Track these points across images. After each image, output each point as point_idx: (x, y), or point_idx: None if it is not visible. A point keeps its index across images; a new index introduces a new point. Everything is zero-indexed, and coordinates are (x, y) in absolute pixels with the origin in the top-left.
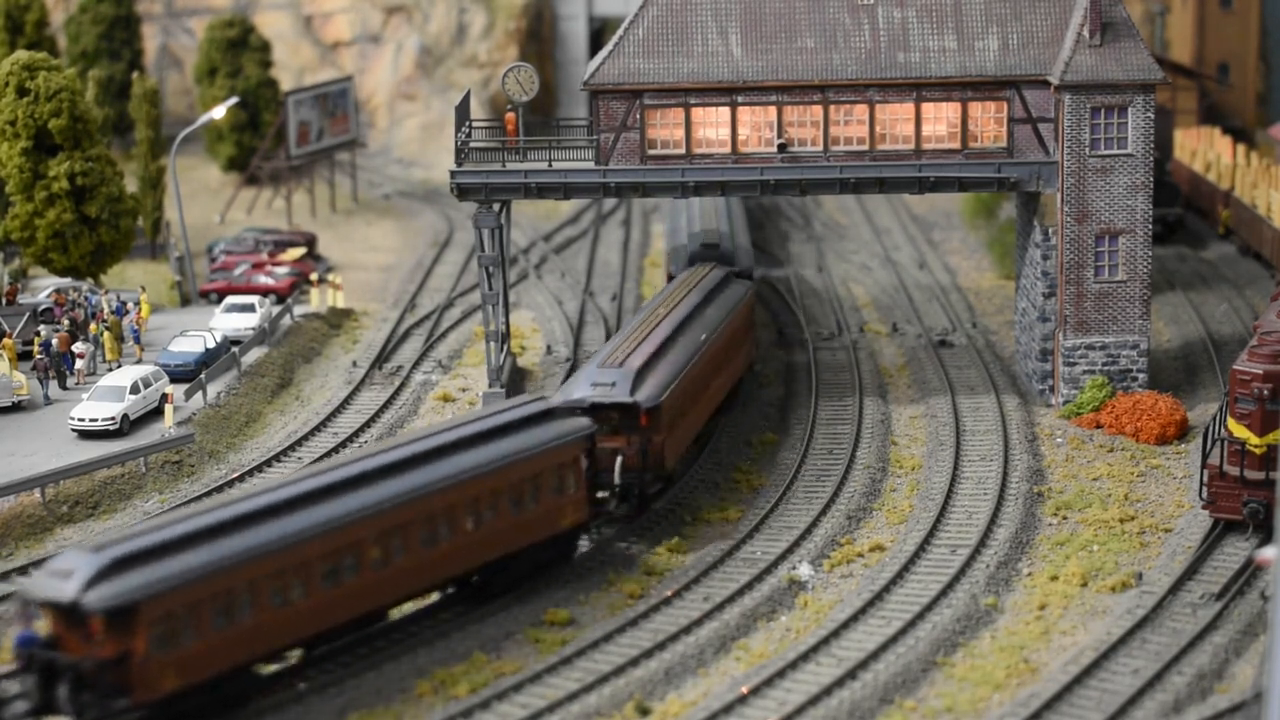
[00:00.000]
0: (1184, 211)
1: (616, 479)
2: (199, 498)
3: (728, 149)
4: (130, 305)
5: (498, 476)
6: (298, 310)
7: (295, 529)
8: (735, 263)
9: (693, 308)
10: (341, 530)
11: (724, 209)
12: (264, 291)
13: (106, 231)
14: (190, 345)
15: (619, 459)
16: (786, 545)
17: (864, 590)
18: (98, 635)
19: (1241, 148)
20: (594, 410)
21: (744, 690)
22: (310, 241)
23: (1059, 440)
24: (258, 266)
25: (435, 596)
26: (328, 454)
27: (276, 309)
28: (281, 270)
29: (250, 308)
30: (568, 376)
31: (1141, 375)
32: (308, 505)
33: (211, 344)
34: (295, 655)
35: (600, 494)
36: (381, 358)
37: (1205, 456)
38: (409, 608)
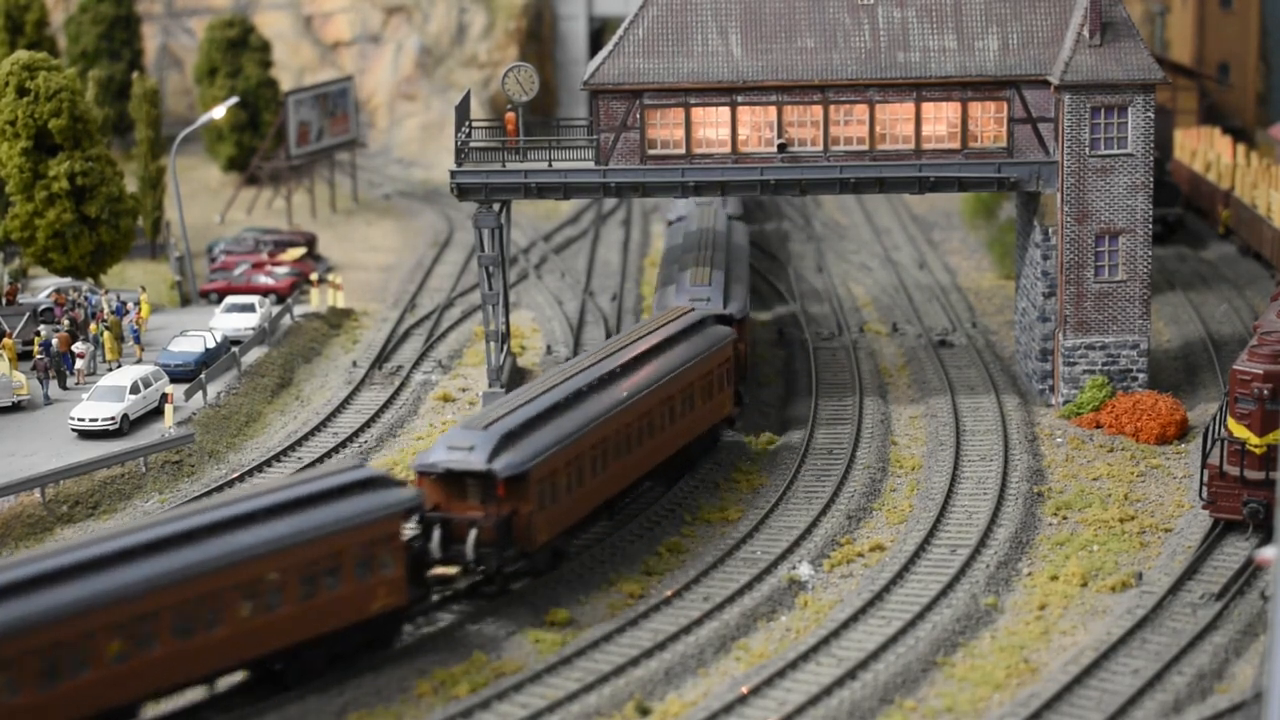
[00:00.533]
0: (1184, 211)
1: (469, 554)
2: (199, 498)
3: (728, 149)
4: (130, 305)
5: (282, 557)
6: (298, 310)
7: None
8: (725, 305)
9: (629, 360)
10: (58, 624)
11: (724, 237)
12: (264, 291)
13: (106, 231)
14: (190, 345)
15: (473, 532)
16: (786, 545)
17: (864, 590)
18: None
19: (1241, 148)
20: (448, 477)
21: (744, 690)
22: (310, 241)
23: (1059, 440)
24: (258, 266)
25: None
26: (327, 454)
27: (276, 309)
28: (281, 270)
29: (250, 308)
30: None
31: (1141, 375)
32: (20, 595)
33: (211, 344)
34: None
35: (448, 569)
36: (381, 358)
37: (1205, 456)
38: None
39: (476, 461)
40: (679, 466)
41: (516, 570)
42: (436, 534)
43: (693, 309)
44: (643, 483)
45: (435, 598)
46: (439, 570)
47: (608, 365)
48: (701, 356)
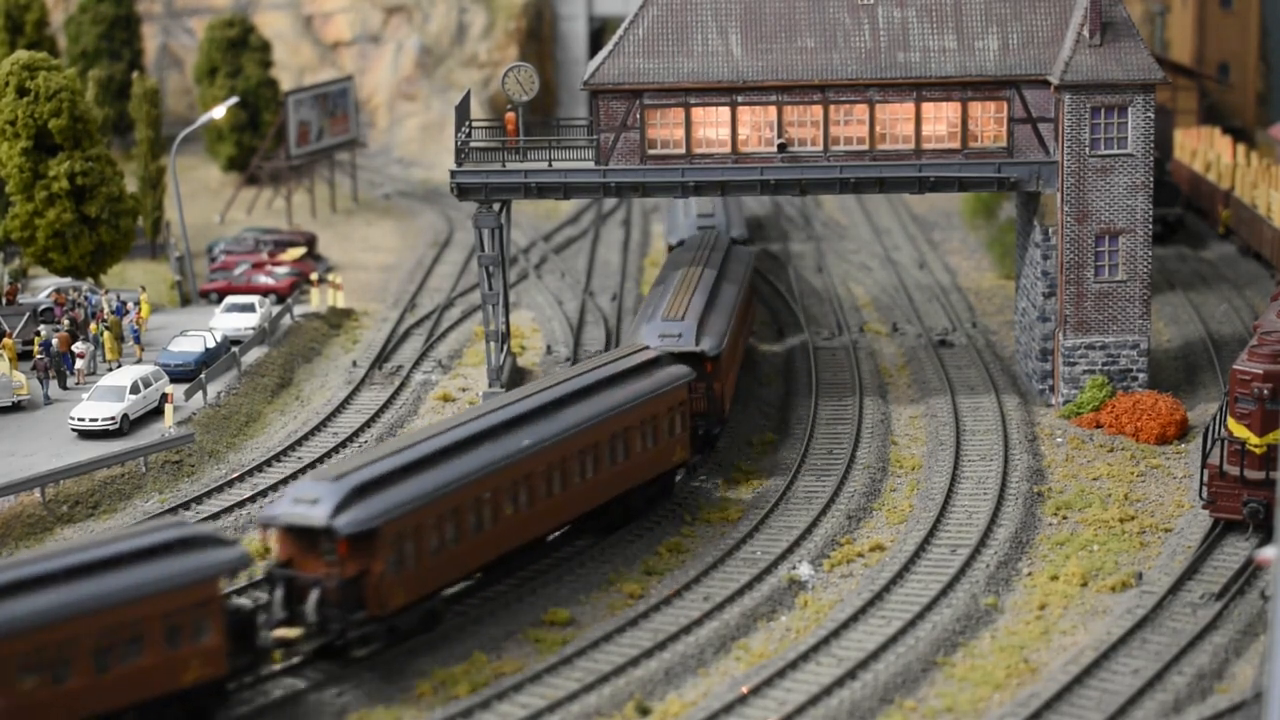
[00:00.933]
0: (1184, 211)
1: (310, 616)
2: (199, 498)
3: (728, 149)
4: (130, 305)
5: (69, 626)
6: (298, 310)
7: None
8: (698, 342)
9: (548, 403)
10: None
11: (718, 265)
12: (264, 291)
13: (106, 231)
14: (190, 345)
15: (315, 593)
16: (786, 545)
17: (864, 590)
18: None
19: (1241, 148)
20: (291, 533)
21: (744, 690)
22: (310, 241)
23: (1059, 440)
24: (258, 266)
25: None
26: (328, 454)
27: (276, 309)
28: (281, 270)
29: (250, 308)
30: None
31: (1141, 375)
32: None
33: (211, 344)
34: None
35: (289, 633)
36: (381, 358)
37: (1205, 456)
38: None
39: (318, 516)
40: (617, 516)
41: (369, 635)
42: (279, 593)
43: (646, 347)
44: (577, 529)
45: (279, 665)
46: (282, 633)
47: (520, 408)
48: (645, 399)
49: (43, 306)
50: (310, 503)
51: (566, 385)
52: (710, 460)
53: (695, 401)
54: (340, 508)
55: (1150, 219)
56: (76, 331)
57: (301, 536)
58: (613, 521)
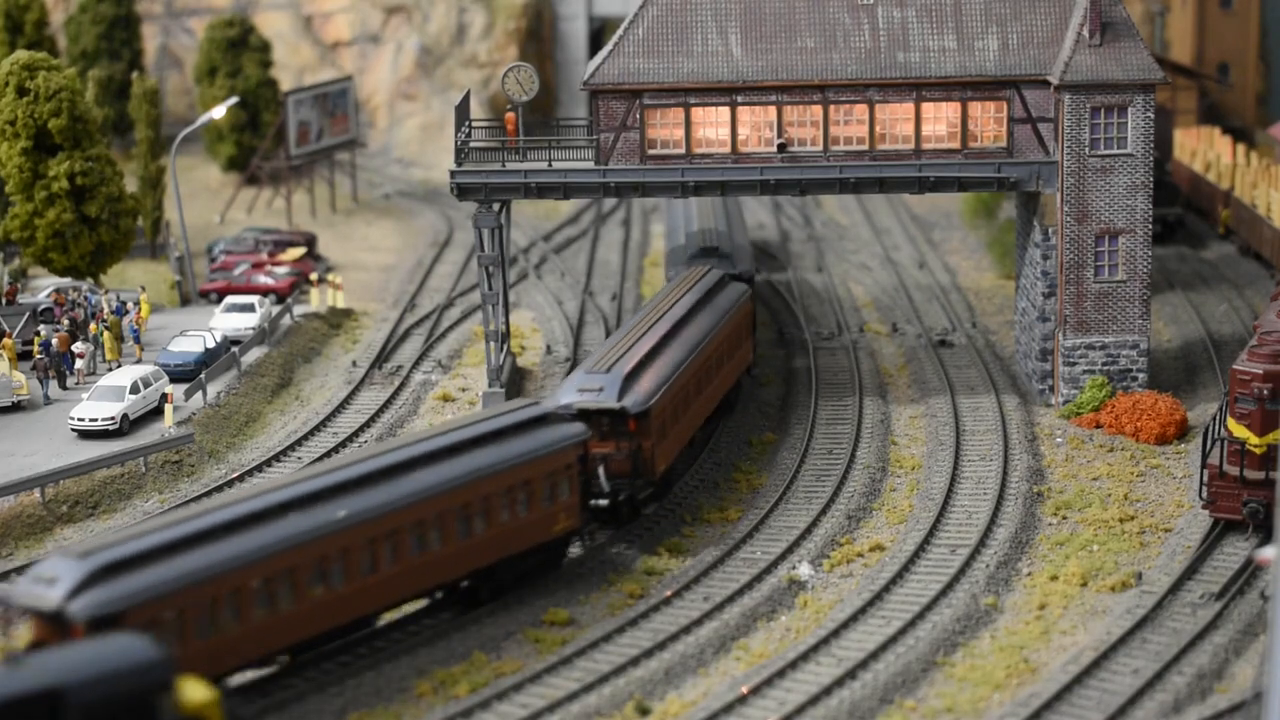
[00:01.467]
0: (1184, 211)
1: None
2: (198, 498)
3: (727, 149)
4: (130, 305)
5: None
6: (298, 310)
7: None
8: (620, 398)
9: (380, 468)
10: None
11: (691, 307)
12: (264, 291)
13: (106, 231)
14: (190, 345)
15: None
16: (786, 545)
17: (864, 590)
18: None
19: (1241, 148)
20: (39, 615)
21: (744, 690)
22: (310, 241)
23: (1059, 440)
24: (258, 266)
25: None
26: (327, 454)
27: (276, 309)
28: (281, 270)
29: (250, 308)
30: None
31: (1141, 375)
32: None
33: (211, 344)
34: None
35: None
36: (381, 358)
37: (1205, 456)
38: (412, 608)
39: (52, 599)
40: (484, 591)
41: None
42: None
43: (534, 403)
44: (440, 604)
45: None
46: None
47: (347, 474)
48: (513, 462)
49: (43, 306)
50: (47, 582)
51: (416, 448)
52: (635, 529)
53: (617, 463)
54: (79, 589)
55: (1150, 219)
56: (76, 331)
57: (48, 620)
58: (478, 598)
